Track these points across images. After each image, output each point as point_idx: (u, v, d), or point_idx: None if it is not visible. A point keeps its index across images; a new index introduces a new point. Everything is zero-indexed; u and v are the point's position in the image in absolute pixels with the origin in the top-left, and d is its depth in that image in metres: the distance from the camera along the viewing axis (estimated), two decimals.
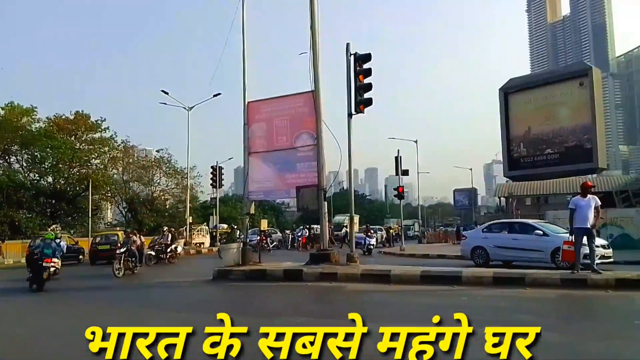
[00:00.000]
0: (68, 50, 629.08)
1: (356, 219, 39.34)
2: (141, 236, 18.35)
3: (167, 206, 43.56)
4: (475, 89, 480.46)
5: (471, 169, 60.76)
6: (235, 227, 33.73)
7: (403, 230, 32.72)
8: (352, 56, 12.90)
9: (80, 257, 22.58)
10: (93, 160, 37.52)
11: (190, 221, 33.60)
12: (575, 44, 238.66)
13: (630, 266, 13.40)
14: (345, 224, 28.72)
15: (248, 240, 15.57)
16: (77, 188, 36.20)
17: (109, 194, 39.45)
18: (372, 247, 24.08)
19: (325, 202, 12.69)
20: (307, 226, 31.67)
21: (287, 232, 37.24)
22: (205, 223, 38.15)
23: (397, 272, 10.25)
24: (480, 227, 17.32)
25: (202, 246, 31.60)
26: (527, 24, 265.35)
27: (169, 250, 19.27)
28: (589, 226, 9.26)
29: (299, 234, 30.82)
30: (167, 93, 30.81)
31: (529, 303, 7.66)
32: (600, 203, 9.55)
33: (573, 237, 9.39)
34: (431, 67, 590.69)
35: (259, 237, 20.91)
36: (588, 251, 9.32)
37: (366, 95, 12.86)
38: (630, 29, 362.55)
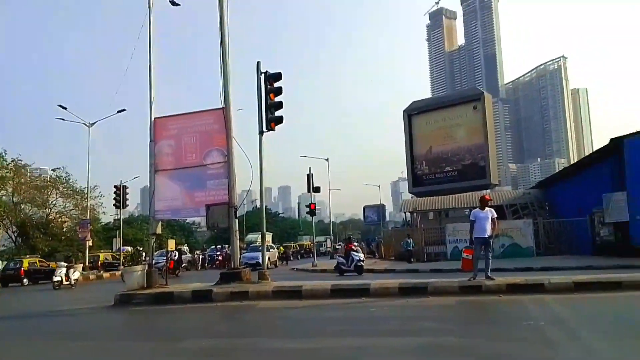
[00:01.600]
0: None
1: (269, 236, 39.27)
2: None
3: (65, 229, 40.18)
4: (382, 109, 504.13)
5: (379, 186, 63.69)
6: (141, 248, 31.98)
7: (315, 246, 33.11)
8: (263, 74, 13.03)
9: None
10: None
11: (91, 244, 31.29)
12: (469, 71, 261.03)
13: (519, 272, 14.72)
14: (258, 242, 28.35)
15: (154, 262, 14.82)
16: None
17: None
18: (361, 263, 18.55)
19: (236, 220, 12.51)
20: (179, 248, 28.79)
21: (198, 252, 36.07)
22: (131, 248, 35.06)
23: (308, 287, 10.33)
24: None
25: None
26: (427, 51, 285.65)
27: None
28: (487, 236, 10.08)
29: (164, 257, 23.04)
30: (65, 108, 28.93)
31: (431, 310, 8.09)
32: (496, 215, 10.45)
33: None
34: (342, 88, 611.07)
35: (166, 259, 20.00)
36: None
37: (277, 113, 13.01)
38: (517, 59, 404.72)
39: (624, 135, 20.71)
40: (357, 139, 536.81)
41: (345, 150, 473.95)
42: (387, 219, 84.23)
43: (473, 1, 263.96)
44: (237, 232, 12.63)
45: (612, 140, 21.03)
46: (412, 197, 39.90)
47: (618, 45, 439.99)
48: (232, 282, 11.52)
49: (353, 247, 19.36)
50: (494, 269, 10.66)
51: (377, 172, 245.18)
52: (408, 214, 38.20)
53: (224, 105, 12.88)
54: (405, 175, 41.84)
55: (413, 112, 38.69)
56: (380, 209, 65.78)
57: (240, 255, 19.40)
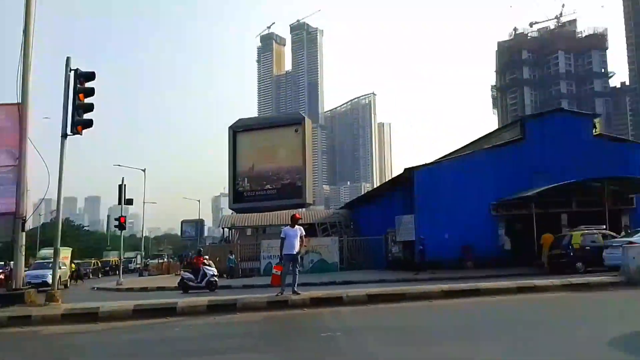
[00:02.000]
0: None
1: (67, 252, 34.90)
2: None
3: None
4: (207, 124, 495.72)
5: (199, 201, 62.23)
6: None
7: (124, 262, 30.61)
8: (73, 72, 11.71)
9: None
10: None
11: None
12: (294, 96, 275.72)
13: (324, 286, 15.86)
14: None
15: None
16: None
17: None
18: (215, 279, 17.31)
19: (24, 233, 10.84)
20: None
21: None
22: None
23: (107, 308, 9.44)
24: None
25: None
26: (257, 73, 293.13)
27: None
28: (294, 252, 10.63)
29: None
30: None
31: (237, 327, 8.14)
32: (305, 233, 11.14)
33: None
34: (168, 98, 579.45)
35: None
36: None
37: (86, 116, 11.78)
38: (336, 91, 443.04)
39: (415, 167, 24.26)
40: (180, 151, 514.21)
41: (167, 163, 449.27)
42: (206, 234, 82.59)
43: (301, 32, 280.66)
44: (24, 246, 10.93)
45: (405, 170, 24.42)
46: (232, 213, 40.04)
47: (415, 90, 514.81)
48: (12, 305, 9.87)
49: (205, 261, 17.91)
50: (302, 283, 11.30)
51: (199, 186, 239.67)
52: (227, 230, 38.13)
53: (20, 100, 11.17)
54: (227, 191, 41.83)
55: (238, 129, 39.23)
56: (198, 223, 64.23)
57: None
